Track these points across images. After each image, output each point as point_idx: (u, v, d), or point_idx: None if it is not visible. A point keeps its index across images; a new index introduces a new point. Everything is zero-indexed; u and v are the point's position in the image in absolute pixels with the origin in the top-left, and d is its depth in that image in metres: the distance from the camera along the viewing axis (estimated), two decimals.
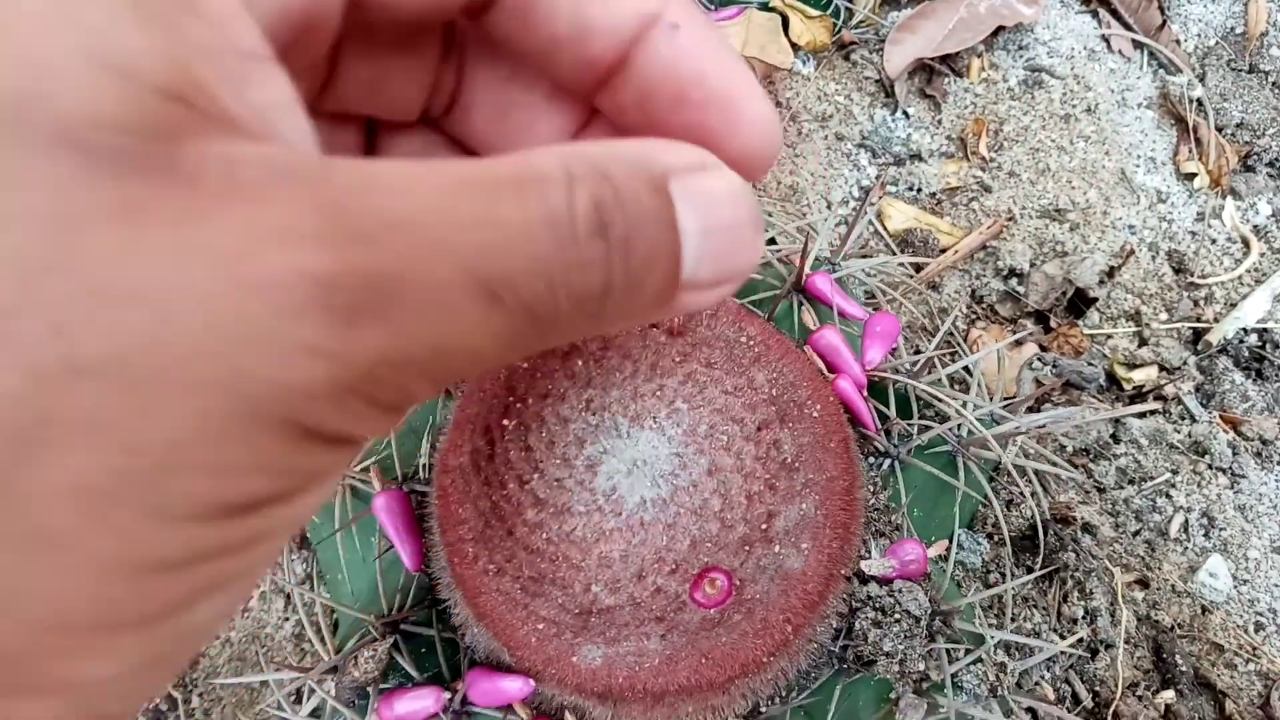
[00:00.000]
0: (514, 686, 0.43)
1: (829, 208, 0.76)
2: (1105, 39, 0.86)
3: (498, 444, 0.42)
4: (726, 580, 0.40)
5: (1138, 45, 0.86)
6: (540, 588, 0.40)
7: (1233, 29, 0.87)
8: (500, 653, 0.43)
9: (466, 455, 0.42)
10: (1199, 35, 0.87)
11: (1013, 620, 0.52)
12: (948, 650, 0.45)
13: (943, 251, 0.75)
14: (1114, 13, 0.87)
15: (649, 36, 0.22)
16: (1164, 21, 0.86)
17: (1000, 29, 0.85)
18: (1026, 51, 0.86)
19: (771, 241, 0.58)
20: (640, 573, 0.40)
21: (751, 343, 0.43)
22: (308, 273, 0.14)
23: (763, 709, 0.45)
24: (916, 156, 0.81)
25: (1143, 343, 0.74)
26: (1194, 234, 0.79)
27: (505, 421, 0.42)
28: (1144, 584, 0.61)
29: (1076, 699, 0.55)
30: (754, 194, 0.19)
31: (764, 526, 0.40)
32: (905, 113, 0.82)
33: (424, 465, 0.49)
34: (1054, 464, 0.52)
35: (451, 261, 0.16)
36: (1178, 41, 0.87)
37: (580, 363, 0.43)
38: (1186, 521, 0.65)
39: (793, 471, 0.41)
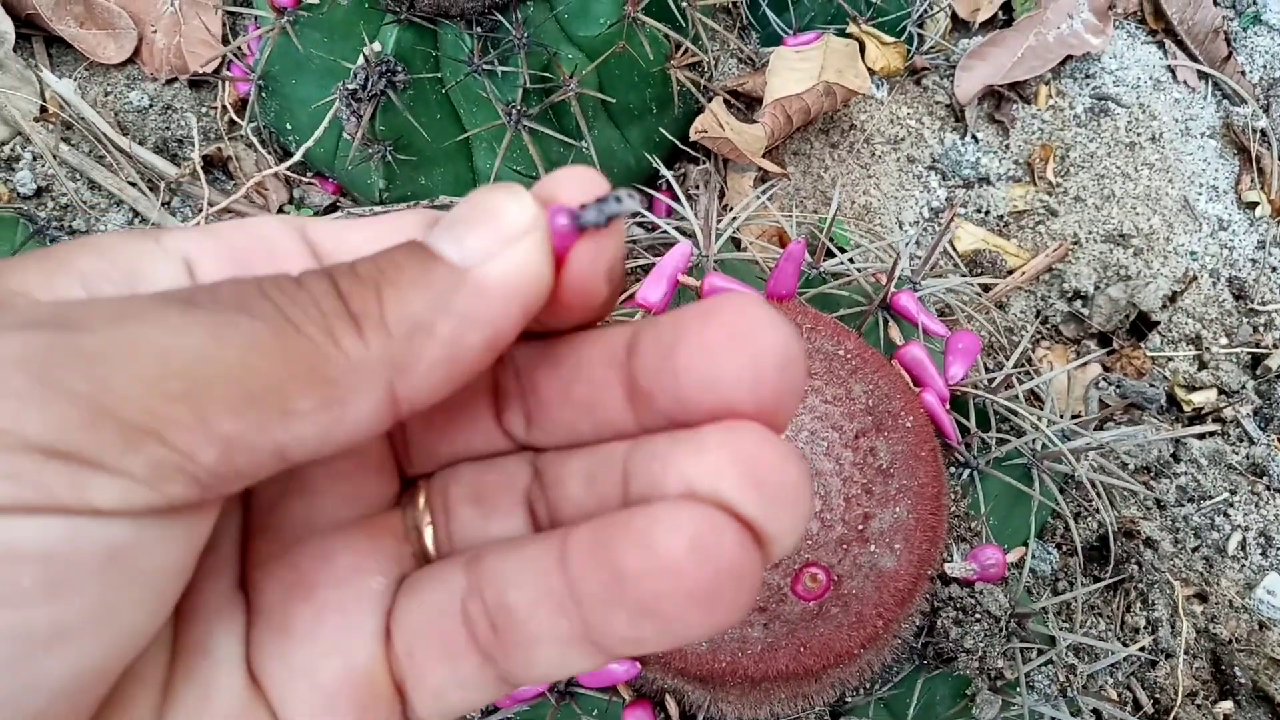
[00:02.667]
0: (620, 669, 0.46)
1: (900, 227, 0.79)
2: (1171, 69, 0.89)
3: None
4: (826, 576, 0.43)
5: (1203, 76, 0.88)
6: None
7: None
8: None
9: None
10: (1264, 67, 0.89)
11: (1080, 627, 0.55)
12: (1021, 651, 0.48)
13: (1010, 273, 0.78)
14: (1180, 44, 0.89)
15: None
16: (1230, 53, 0.89)
17: (1068, 58, 0.88)
18: (1093, 80, 0.88)
19: (850, 260, 0.61)
20: None
21: (849, 356, 0.46)
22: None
23: (848, 699, 0.49)
24: (985, 180, 0.84)
25: (1203, 366, 0.76)
26: (1254, 261, 0.82)
27: None
28: (1203, 598, 0.63)
29: (1138, 705, 0.57)
30: (491, 197, 0.20)
31: (860, 527, 0.44)
32: (975, 137, 0.85)
33: None
34: (1124, 479, 0.55)
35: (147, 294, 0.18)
36: (1243, 73, 0.89)
37: None
38: (1244, 540, 0.67)
39: (888, 477, 0.44)
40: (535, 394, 0.22)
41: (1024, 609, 0.48)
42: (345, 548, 0.22)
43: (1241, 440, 0.72)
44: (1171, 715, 0.57)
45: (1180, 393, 0.75)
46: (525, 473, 0.22)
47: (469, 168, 0.74)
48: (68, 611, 0.16)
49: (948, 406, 0.52)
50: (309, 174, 0.80)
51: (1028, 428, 0.53)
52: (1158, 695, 0.58)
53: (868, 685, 0.49)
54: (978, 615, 0.47)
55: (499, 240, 0.19)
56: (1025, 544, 0.52)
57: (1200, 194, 0.84)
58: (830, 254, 0.61)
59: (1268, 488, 0.69)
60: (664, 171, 0.67)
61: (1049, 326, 0.77)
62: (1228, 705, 0.59)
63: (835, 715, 0.48)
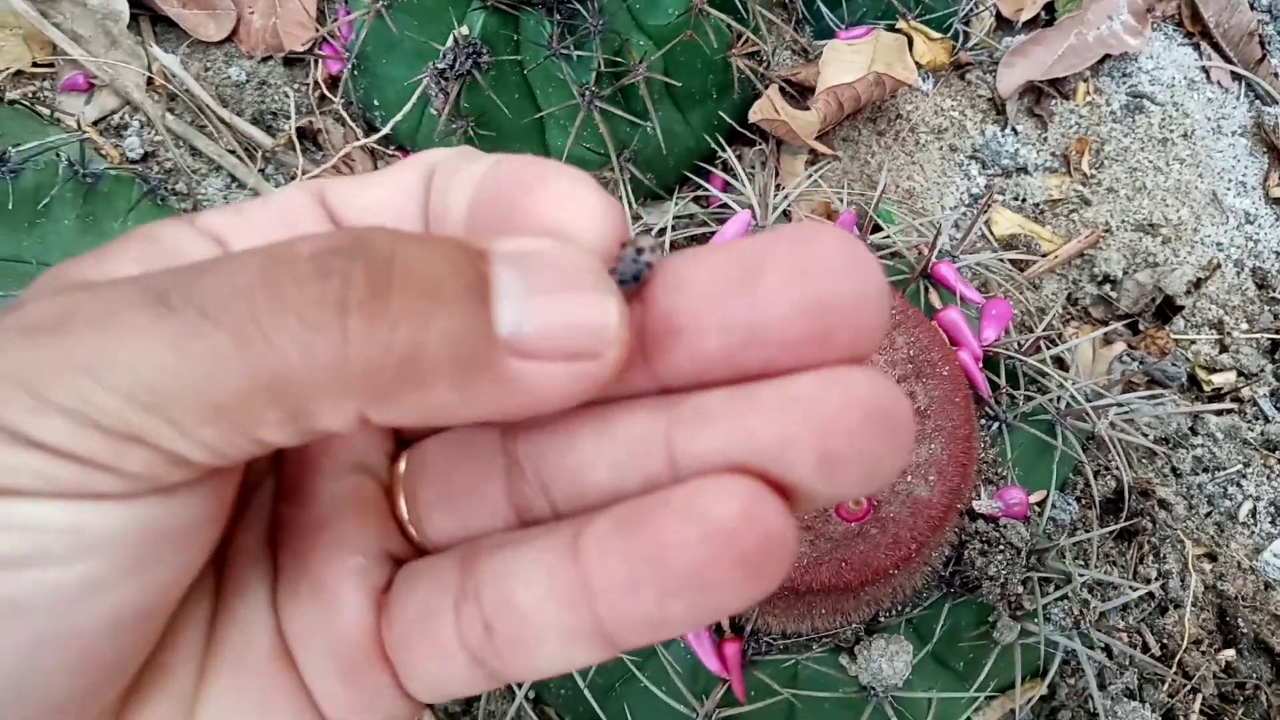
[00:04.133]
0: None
1: (941, 210, 0.84)
2: (1205, 70, 0.93)
3: None
4: (867, 500, 0.49)
5: (1236, 77, 0.93)
6: None
7: None
8: None
9: None
10: None
11: (1095, 569, 0.60)
12: (1040, 584, 0.54)
13: (1044, 256, 0.83)
14: (1215, 45, 0.94)
15: None
16: (1264, 55, 0.93)
17: (1106, 57, 0.92)
18: (1130, 79, 0.93)
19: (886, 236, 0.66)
20: None
21: (893, 311, 0.52)
22: None
23: (881, 619, 0.54)
24: (1023, 170, 0.89)
25: (1223, 349, 0.81)
26: (1278, 254, 0.86)
27: None
28: (1212, 558, 0.68)
29: (1146, 647, 0.63)
30: (596, 261, 0.18)
31: None
32: (1014, 129, 0.90)
33: None
34: (1142, 439, 0.60)
35: (135, 284, 0.18)
36: (1275, 74, 0.93)
37: None
38: (1255, 508, 0.72)
39: (925, 418, 0.50)
40: None
41: (1043, 545, 0.54)
42: (334, 518, 0.22)
43: (1257, 418, 0.77)
44: (1176, 659, 0.62)
45: (1201, 373, 0.80)
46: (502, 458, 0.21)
47: (542, 145, 0.81)
48: (96, 569, 0.17)
49: (980, 365, 0.58)
50: (392, 147, 0.86)
51: (1053, 387, 0.58)
52: (1165, 641, 0.63)
53: (899, 607, 0.54)
54: (1001, 547, 0.52)
55: (572, 342, 0.18)
56: (1047, 491, 0.57)
57: (1229, 189, 0.89)
58: (876, 229, 0.67)
59: None
60: (726, 151, 0.73)
61: (1078, 307, 0.82)
62: (1230, 653, 0.64)
63: (869, 631, 0.53)
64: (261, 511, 0.23)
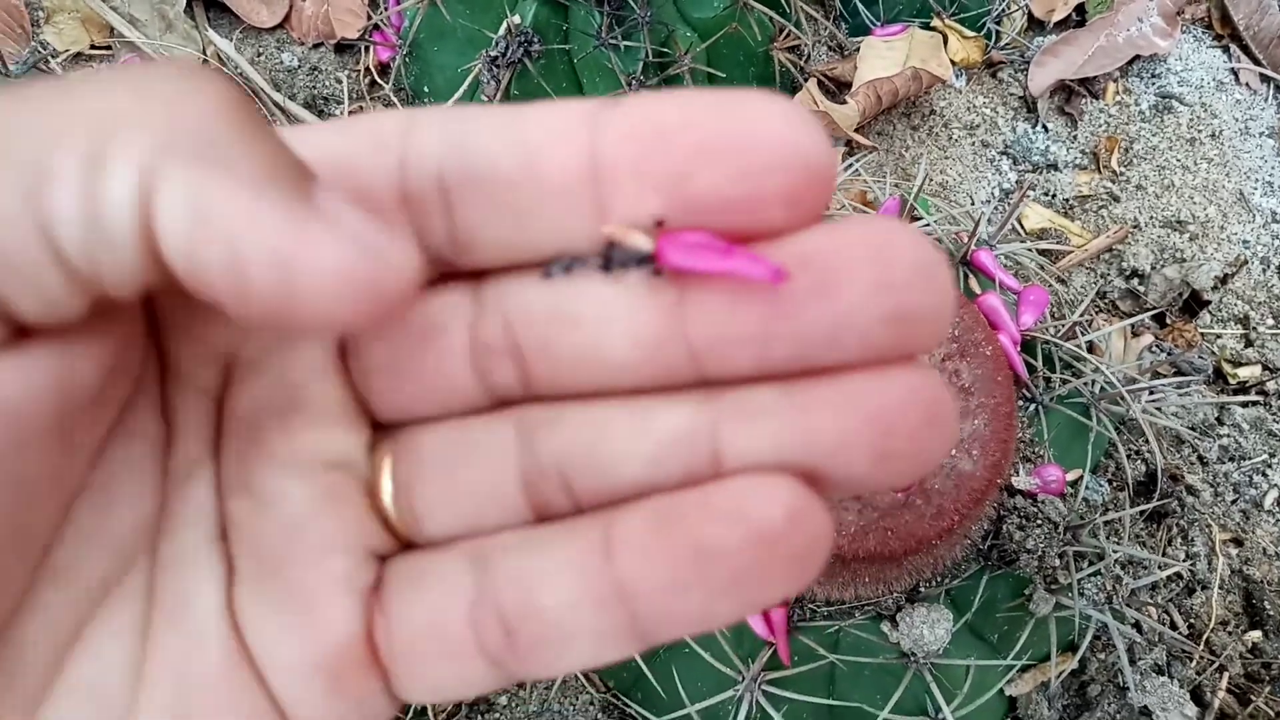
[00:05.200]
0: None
1: (973, 204, 0.86)
2: (1234, 72, 0.95)
3: None
4: None
5: (1265, 79, 0.95)
6: None
7: None
8: None
9: None
10: None
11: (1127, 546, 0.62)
12: (1075, 558, 0.56)
13: (1073, 251, 0.85)
14: (1244, 48, 0.96)
15: None
16: None
17: (1136, 58, 0.94)
18: (1159, 80, 0.95)
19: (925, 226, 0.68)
20: None
21: None
22: None
23: (921, 589, 0.56)
24: (1053, 166, 0.91)
25: (1249, 344, 0.83)
26: None
27: None
28: (1239, 543, 0.70)
29: (1174, 625, 0.64)
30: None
31: None
32: (1045, 127, 0.92)
33: None
34: (1173, 422, 0.62)
35: None
36: None
37: None
38: None
39: (969, 394, 0.52)
40: (533, 350, 0.20)
41: (1078, 522, 0.56)
42: (310, 519, 0.20)
43: None
44: (1204, 638, 0.64)
45: (1226, 367, 0.82)
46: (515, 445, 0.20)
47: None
48: None
49: (1018, 349, 0.60)
50: None
51: (1088, 371, 0.60)
52: (1192, 621, 0.65)
53: (939, 578, 0.56)
54: (1039, 521, 0.54)
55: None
56: (1081, 471, 0.59)
57: (1255, 189, 0.91)
58: (915, 219, 0.69)
59: None
60: None
61: (1107, 301, 0.84)
62: (1256, 634, 0.65)
63: (910, 600, 0.55)
64: (204, 510, 0.21)
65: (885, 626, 0.55)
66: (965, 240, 0.63)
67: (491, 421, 0.21)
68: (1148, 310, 0.83)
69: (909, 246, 0.18)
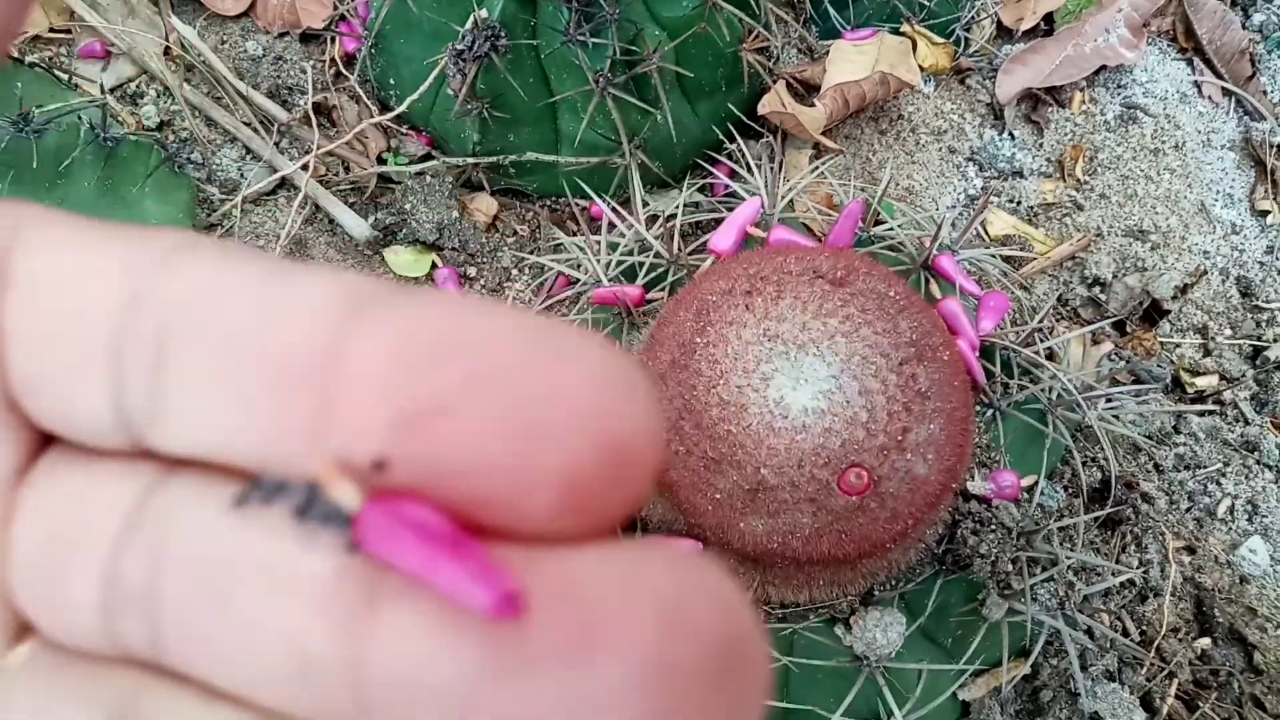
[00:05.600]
0: (685, 547, 0.54)
1: (937, 209, 0.87)
2: (1197, 85, 0.96)
3: (690, 357, 0.54)
4: (868, 475, 0.51)
5: (1227, 93, 0.96)
6: (719, 467, 0.52)
7: None
8: (675, 522, 0.55)
9: (665, 364, 0.54)
10: None
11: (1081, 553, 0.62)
12: (1028, 564, 0.56)
13: (1036, 258, 0.86)
14: (1208, 62, 0.97)
15: None
16: (1254, 73, 0.96)
17: (1102, 68, 0.95)
18: (1124, 90, 0.96)
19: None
20: (800, 462, 0.51)
21: (898, 297, 0.54)
22: None
23: (876, 592, 0.56)
24: (1018, 174, 0.91)
25: (1207, 353, 0.84)
26: (1262, 264, 0.89)
27: (698, 339, 0.54)
28: (1191, 550, 0.71)
29: (1126, 632, 0.65)
30: None
31: (900, 438, 0.51)
32: (1011, 134, 0.93)
33: None
34: (1129, 430, 0.62)
35: None
36: (1265, 92, 0.96)
37: (759, 300, 0.54)
38: (1233, 506, 0.75)
39: (925, 399, 0.52)
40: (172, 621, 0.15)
41: (1032, 528, 0.56)
42: None
43: (1238, 420, 0.80)
44: (1155, 645, 0.65)
45: (1185, 376, 0.82)
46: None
47: (554, 129, 0.82)
48: None
49: (978, 354, 0.60)
50: (405, 126, 0.88)
51: (1045, 378, 0.60)
52: (1144, 627, 0.66)
53: (893, 581, 0.56)
54: (993, 526, 0.54)
55: None
56: (1037, 477, 0.59)
57: (1216, 200, 0.91)
58: (878, 222, 0.69)
59: (1258, 462, 0.77)
60: (736, 140, 0.75)
61: (1068, 308, 0.85)
62: (1206, 641, 0.66)
63: (864, 603, 0.55)
64: None
65: (839, 629, 0.55)
66: (927, 245, 0.64)
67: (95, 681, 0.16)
68: (1109, 318, 0.84)
69: (717, 609, 0.13)
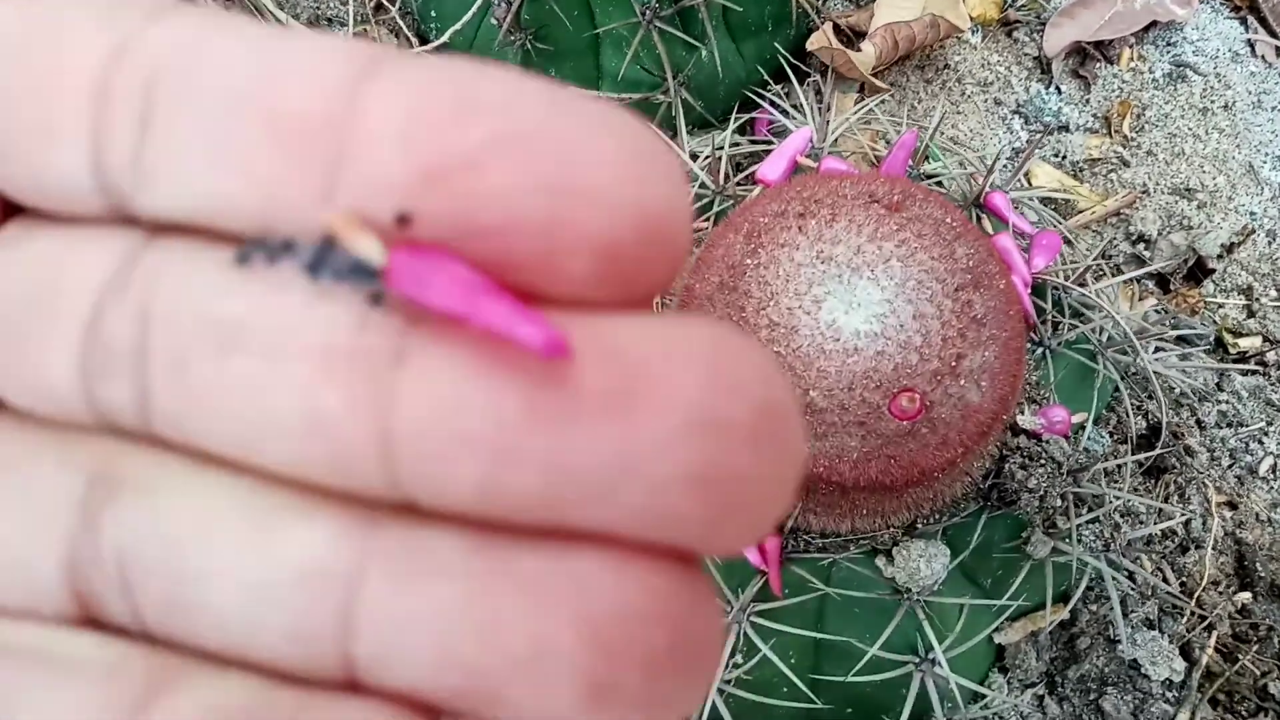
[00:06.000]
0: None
1: (983, 161, 0.85)
2: (1250, 44, 0.94)
3: (740, 279, 0.53)
4: (920, 400, 0.50)
5: None
6: None
7: None
8: None
9: (713, 286, 0.53)
10: None
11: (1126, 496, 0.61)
12: (1075, 502, 0.55)
13: (1080, 213, 0.84)
14: (1262, 20, 0.95)
15: None
16: None
17: (1153, 24, 0.93)
18: (1174, 48, 0.94)
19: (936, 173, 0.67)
20: (850, 385, 0.50)
21: (954, 223, 0.53)
22: None
23: (919, 525, 0.55)
24: (1064, 128, 0.90)
25: (1251, 315, 0.82)
26: None
27: (748, 261, 0.53)
28: (1233, 506, 0.70)
29: (1166, 582, 0.64)
30: None
31: (953, 364, 0.50)
32: (1058, 88, 0.91)
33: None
34: (1180, 375, 0.61)
35: None
36: None
37: (813, 223, 0.53)
38: (1275, 465, 0.74)
39: (980, 326, 0.51)
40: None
41: (1081, 464, 0.55)
42: None
43: None
44: (1195, 597, 0.64)
45: (1227, 337, 0.81)
46: None
47: (595, 65, 0.81)
48: None
49: (1029, 291, 0.59)
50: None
51: (1097, 318, 0.59)
52: (1184, 579, 0.65)
53: (937, 515, 0.55)
54: (1042, 461, 0.53)
55: None
56: (1087, 415, 0.58)
57: (1265, 162, 0.90)
58: (926, 159, 0.68)
59: None
60: (789, 75, 0.73)
61: (1111, 264, 0.84)
62: (1246, 596, 0.65)
63: (907, 533, 0.55)
64: None
65: (880, 561, 0.55)
66: (980, 181, 0.62)
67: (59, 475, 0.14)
68: (1152, 272, 0.83)
69: (757, 374, 0.13)
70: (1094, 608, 0.62)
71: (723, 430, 0.12)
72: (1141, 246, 0.84)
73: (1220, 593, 0.65)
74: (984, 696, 0.58)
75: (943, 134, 0.86)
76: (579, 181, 0.12)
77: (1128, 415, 0.60)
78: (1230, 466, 0.73)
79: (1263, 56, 0.94)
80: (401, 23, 0.86)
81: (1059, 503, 0.53)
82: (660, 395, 0.12)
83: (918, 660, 0.54)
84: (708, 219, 0.63)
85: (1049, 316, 0.59)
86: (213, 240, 0.14)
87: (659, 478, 0.12)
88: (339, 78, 0.13)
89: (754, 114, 0.75)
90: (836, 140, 0.69)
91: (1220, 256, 0.83)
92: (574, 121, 0.13)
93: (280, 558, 0.13)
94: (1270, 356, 0.79)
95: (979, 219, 0.62)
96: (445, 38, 0.80)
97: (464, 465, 0.12)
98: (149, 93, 0.14)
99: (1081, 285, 0.61)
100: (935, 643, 0.54)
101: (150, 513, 0.14)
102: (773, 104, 0.81)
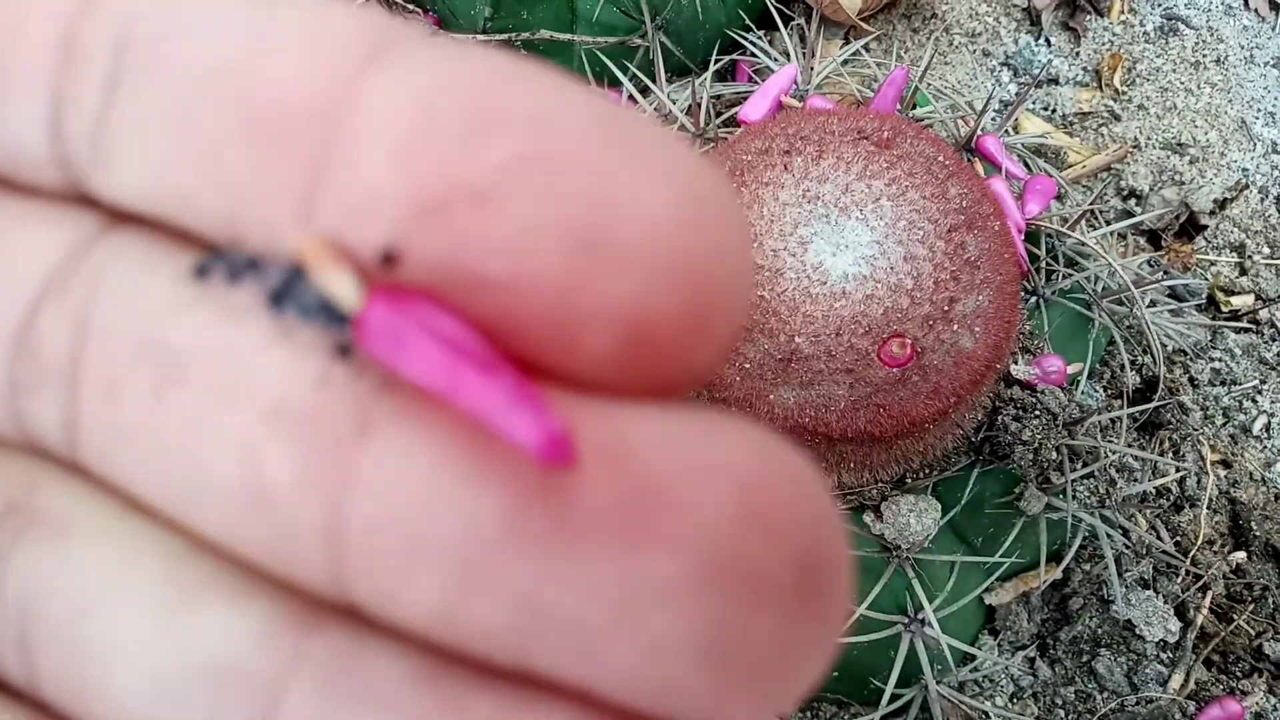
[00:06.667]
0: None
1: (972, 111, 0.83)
2: None
3: None
4: (911, 346, 0.47)
5: (1274, 6, 0.91)
6: (749, 335, 0.48)
7: None
8: (695, 396, 0.51)
9: None
10: None
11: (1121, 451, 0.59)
12: (1069, 456, 0.53)
13: (1070, 167, 0.82)
14: None
15: None
16: None
17: None
18: (1166, 1, 0.91)
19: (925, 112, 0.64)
20: (838, 330, 0.47)
21: (947, 161, 0.50)
22: None
23: (908, 480, 0.53)
24: (1054, 81, 0.87)
25: (1243, 272, 0.80)
26: None
27: None
28: (1226, 464, 0.68)
29: (1160, 540, 0.62)
30: None
31: (946, 309, 0.48)
32: (1048, 40, 0.88)
33: None
34: (1175, 330, 0.59)
35: None
36: None
37: (799, 160, 0.50)
38: (1269, 424, 0.72)
39: (974, 269, 0.48)
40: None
41: (1075, 417, 0.52)
42: None
43: (1274, 339, 0.76)
44: (1189, 556, 0.62)
45: (1220, 295, 0.79)
46: None
47: (569, 7, 0.78)
48: None
49: (1023, 238, 0.56)
50: (411, 3, 0.83)
51: (1092, 267, 0.57)
52: (1179, 538, 0.63)
53: (927, 469, 0.53)
54: (1037, 412, 0.51)
55: None
56: (1082, 366, 0.56)
57: (1257, 118, 0.88)
58: (915, 106, 0.65)
59: None
60: (763, 26, 0.70)
61: (1102, 219, 0.81)
62: (1240, 555, 0.63)
63: (896, 488, 0.52)
64: None
65: (868, 518, 0.52)
66: (970, 124, 0.60)
67: None
68: (1144, 228, 0.80)
69: (803, 510, 0.10)
70: (1087, 567, 0.60)
71: (748, 583, 0.09)
72: (1133, 202, 0.81)
73: (1215, 552, 0.63)
74: (974, 659, 0.56)
75: (929, 85, 0.83)
76: (612, 231, 0.10)
77: (1123, 369, 0.58)
78: (1224, 425, 0.71)
79: (1255, 10, 0.91)
80: None
81: (1054, 455, 0.50)
82: (674, 526, 0.09)
83: (907, 620, 0.51)
84: None
85: (1043, 264, 0.57)
86: (175, 242, 0.12)
87: (658, 635, 0.09)
88: (336, 61, 0.11)
89: (735, 56, 0.72)
90: (821, 85, 0.66)
91: (1212, 213, 0.80)
92: (616, 150, 0.10)
93: (196, 647, 0.11)
94: (1263, 315, 0.78)
95: (971, 163, 0.59)
96: None
97: (422, 580, 0.10)
98: (119, 52, 0.11)
99: (1077, 232, 0.59)
100: (925, 602, 0.52)
101: (63, 560, 0.11)
102: (755, 49, 0.78)
